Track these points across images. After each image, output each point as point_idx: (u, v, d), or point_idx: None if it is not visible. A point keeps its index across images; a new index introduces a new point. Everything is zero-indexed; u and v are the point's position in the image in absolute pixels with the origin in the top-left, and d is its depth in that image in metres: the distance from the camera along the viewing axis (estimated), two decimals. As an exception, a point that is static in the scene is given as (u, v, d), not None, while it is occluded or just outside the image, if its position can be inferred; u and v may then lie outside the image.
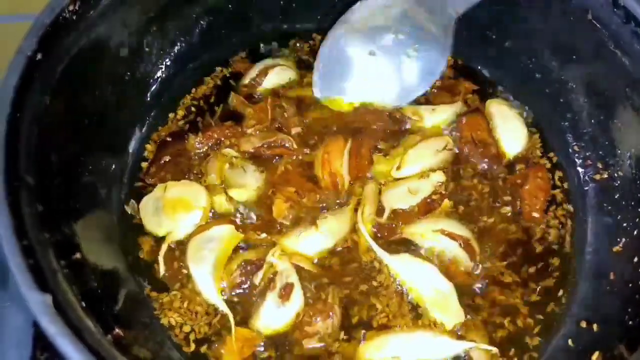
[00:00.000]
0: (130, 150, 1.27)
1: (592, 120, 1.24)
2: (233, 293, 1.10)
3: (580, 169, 1.28)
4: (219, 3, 1.37)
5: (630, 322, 1.00)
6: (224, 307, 1.07)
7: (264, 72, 1.37)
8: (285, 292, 1.06)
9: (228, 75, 1.40)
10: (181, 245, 1.14)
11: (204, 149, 1.26)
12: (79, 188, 1.07)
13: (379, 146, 1.27)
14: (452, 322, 1.06)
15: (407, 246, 1.14)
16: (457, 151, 1.28)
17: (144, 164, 1.26)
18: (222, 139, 1.27)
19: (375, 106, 1.34)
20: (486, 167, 1.26)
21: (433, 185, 1.21)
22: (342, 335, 1.06)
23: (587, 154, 1.27)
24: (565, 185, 1.27)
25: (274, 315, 1.06)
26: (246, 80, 1.38)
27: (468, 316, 1.08)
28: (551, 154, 1.31)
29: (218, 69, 1.41)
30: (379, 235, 1.16)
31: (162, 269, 1.12)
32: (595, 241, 1.20)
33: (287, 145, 1.26)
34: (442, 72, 1.36)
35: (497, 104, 1.35)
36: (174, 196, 1.17)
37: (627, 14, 1.08)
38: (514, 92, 1.38)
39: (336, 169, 1.22)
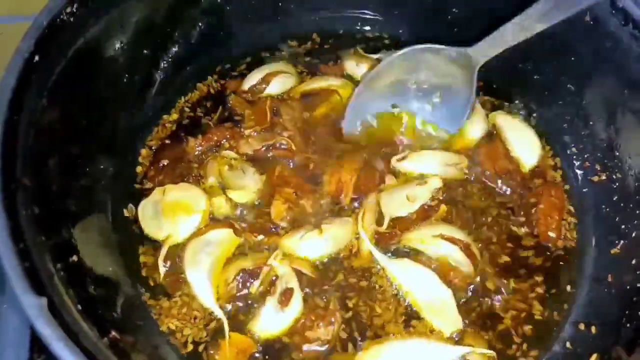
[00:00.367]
0: (128, 153, 1.26)
1: (591, 122, 1.24)
2: (229, 303, 1.08)
3: (578, 171, 1.28)
4: (217, 5, 1.37)
5: (628, 325, 1.00)
6: (218, 312, 1.06)
7: (266, 80, 1.37)
8: (285, 298, 1.06)
9: (225, 81, 1.40)
10: (180, 249, 1.13)
11: (203, 152, 1.26)
12: (76, 191, 1.06)
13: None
14: (449, 329, 1.06)
15: (408, 252, 1.14)
16: (466, 176, 1.25)
17: (141, 168, 1.25)
18: (221, 141, 1.27)
19: None
20: (504, 189, 1.24)
21: (431, 192, 1.20)
22: (340, 342, 1.05)
23: (586, 155, 1.27)
24: (564, 187, 1.27)
25: (272, 320, 1.05)
26: (246, 87, 1.37)
27: (466, 321, 1.07)
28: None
29: (217, 69, 1.41)
30: (379, 242, 1.15)
31: (161, 273, 1.11)
32: (593, 243, 1.19)
33: (285, 146, 1.26)
34: (468, 115, 1.31)
35: (502, 115, 1.34)
36: (173, 199, 1.17)
37: (625, 15, 1.09)
38: (510, 95, 1.38)
39: (345, 180, 1.22)
